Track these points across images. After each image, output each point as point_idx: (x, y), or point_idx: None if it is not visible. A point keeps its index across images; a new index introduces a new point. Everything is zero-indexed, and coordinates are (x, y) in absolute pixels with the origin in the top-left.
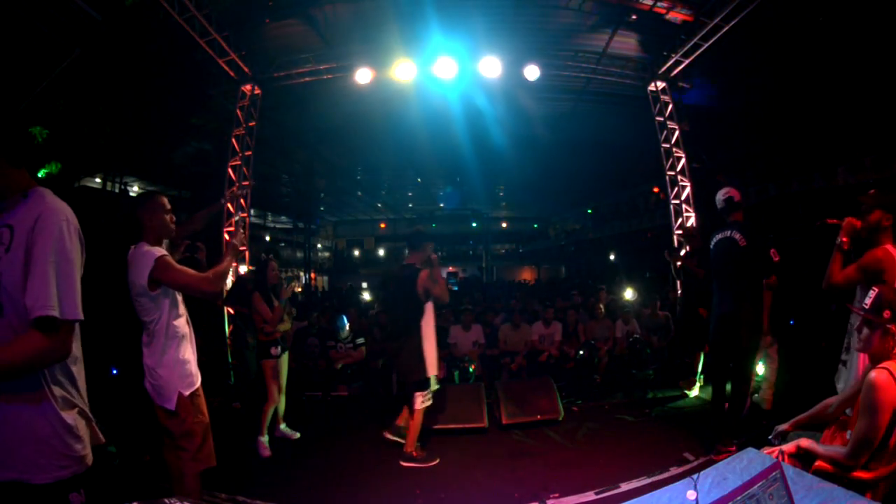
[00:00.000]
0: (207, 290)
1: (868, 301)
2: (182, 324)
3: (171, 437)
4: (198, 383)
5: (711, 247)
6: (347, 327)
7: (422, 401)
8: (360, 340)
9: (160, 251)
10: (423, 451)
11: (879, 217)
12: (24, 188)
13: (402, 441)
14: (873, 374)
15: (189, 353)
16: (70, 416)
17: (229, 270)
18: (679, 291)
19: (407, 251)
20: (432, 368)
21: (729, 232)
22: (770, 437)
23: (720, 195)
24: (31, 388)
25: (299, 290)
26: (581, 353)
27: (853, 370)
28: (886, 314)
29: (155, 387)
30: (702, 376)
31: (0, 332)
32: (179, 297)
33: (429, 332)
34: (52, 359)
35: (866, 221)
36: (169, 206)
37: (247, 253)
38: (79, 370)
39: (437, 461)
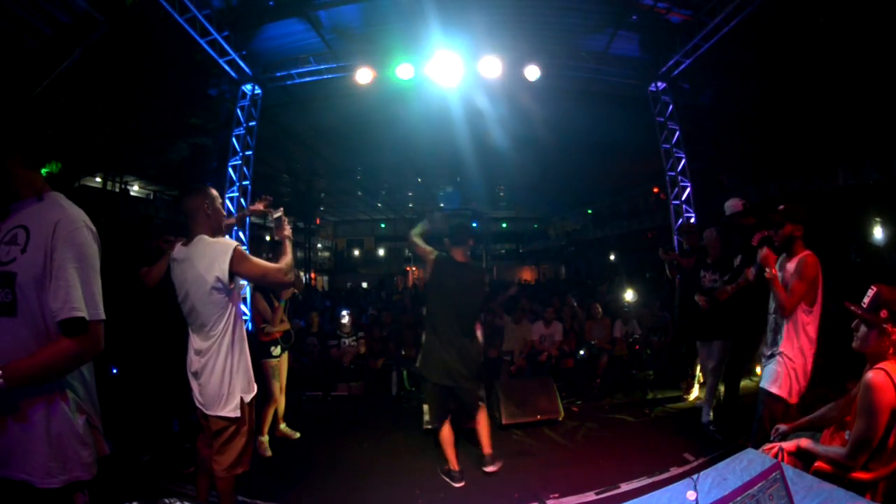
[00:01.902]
0: (284, 281)
1: (866, 300)
2: (242, 323)
3: (217, 443)
4: (256, 387)
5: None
6: (348, 318)
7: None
8: (360, 334)
9: (233, 241)
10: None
11: (791, 230)
12: (39, 190)
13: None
14: (870, 374)
15: (249, 357)
16: (80, 422)
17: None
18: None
19: (449, 247)
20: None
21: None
22: (771, 437)
23: (733, 205)
24: (47, 390)
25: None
26: (581, 353)
27: (779, 363)
28: (883, 314)
29: (215, 397)
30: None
31: (14, 331)
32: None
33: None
34: (85, 358)
35: (779, 235)
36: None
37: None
38: (91, 377)
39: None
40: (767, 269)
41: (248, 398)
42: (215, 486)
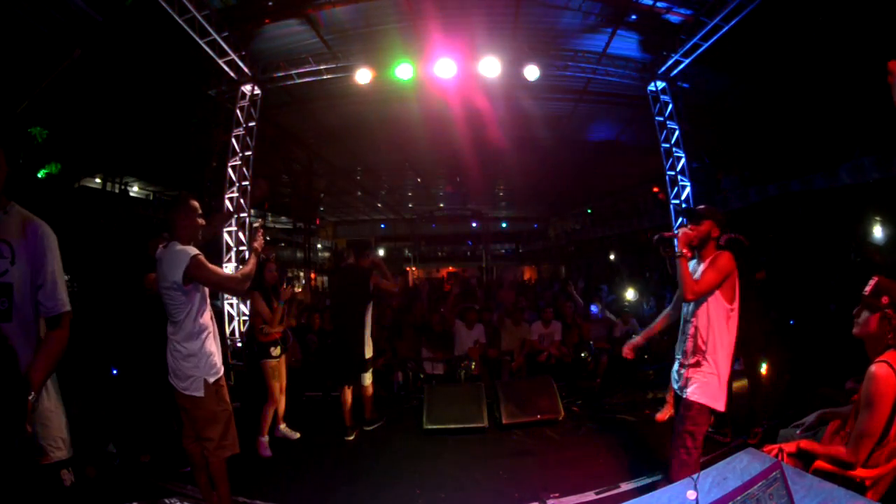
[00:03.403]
0: (236, 289)
1: (867, 289)
2: (208, 318)
3: (195, 427)
4: (221, 373)
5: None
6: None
7: (371, 374)
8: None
9: (194, 250)
10: (376, 413)
11: (709, 227)
12: (3, 204)
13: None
14: (873, 367)
15: (213, 345)
16: (61, 406)
17: (254, 271)
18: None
19: (353, 257)
20: (371, 350)
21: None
22: (797, 429)
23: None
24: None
25: (300, 290)
26: (583, 354)
27: (707, 373)
28: (884, 300)
29: (182, 378)
30: None
31: (10, 334)
32: (207, 294)
33: (369, 321)
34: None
35: (698, 230)
36: (201, 210)
37: (247, 253)
38: None
39: (384, 419)
40: (679, 249)
41: (210, 380)
42: (207, 468)
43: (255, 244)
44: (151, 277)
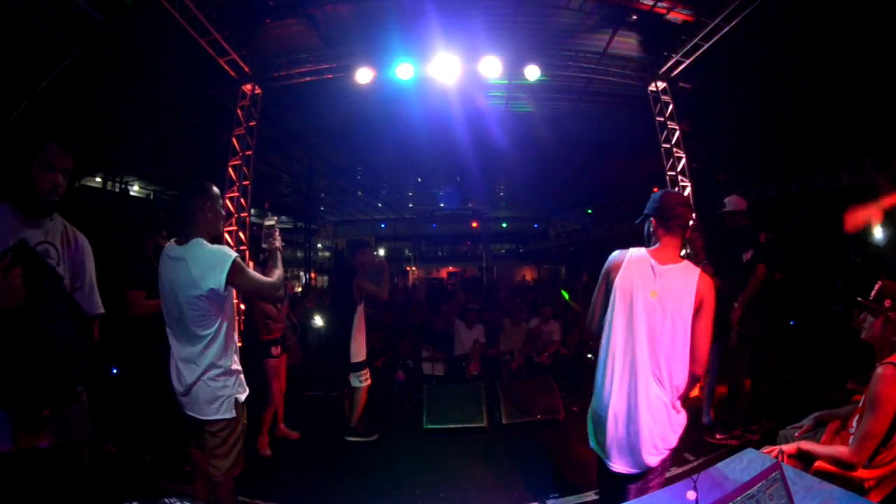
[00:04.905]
0: (276, 296)
1: (872, 293)
2: (233, 326)
3: (214, 450)
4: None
5: (762, 242)
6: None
7: (361, 380)
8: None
9: (232, 252)
10: (367, 422)
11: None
12: (52, 213)
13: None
14: (880, 368)
15: (237, 355)
16: (83, 391)
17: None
18: None
19: (350, 255)
20: (362, 354)
21: (762, 233)
22: (795, 431)
23: (735, 203)
24: None
25: (299, 289)
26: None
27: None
28: (887, 303)
29: (208, 401)
30: None
31: None
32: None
33: (360, 322)
34: None
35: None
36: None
37: (247, 252)
38: None
39: (377, 436)
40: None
41: (241, 398)
42: (215, 491)
43: (277, 244)
44: (140, 296)
